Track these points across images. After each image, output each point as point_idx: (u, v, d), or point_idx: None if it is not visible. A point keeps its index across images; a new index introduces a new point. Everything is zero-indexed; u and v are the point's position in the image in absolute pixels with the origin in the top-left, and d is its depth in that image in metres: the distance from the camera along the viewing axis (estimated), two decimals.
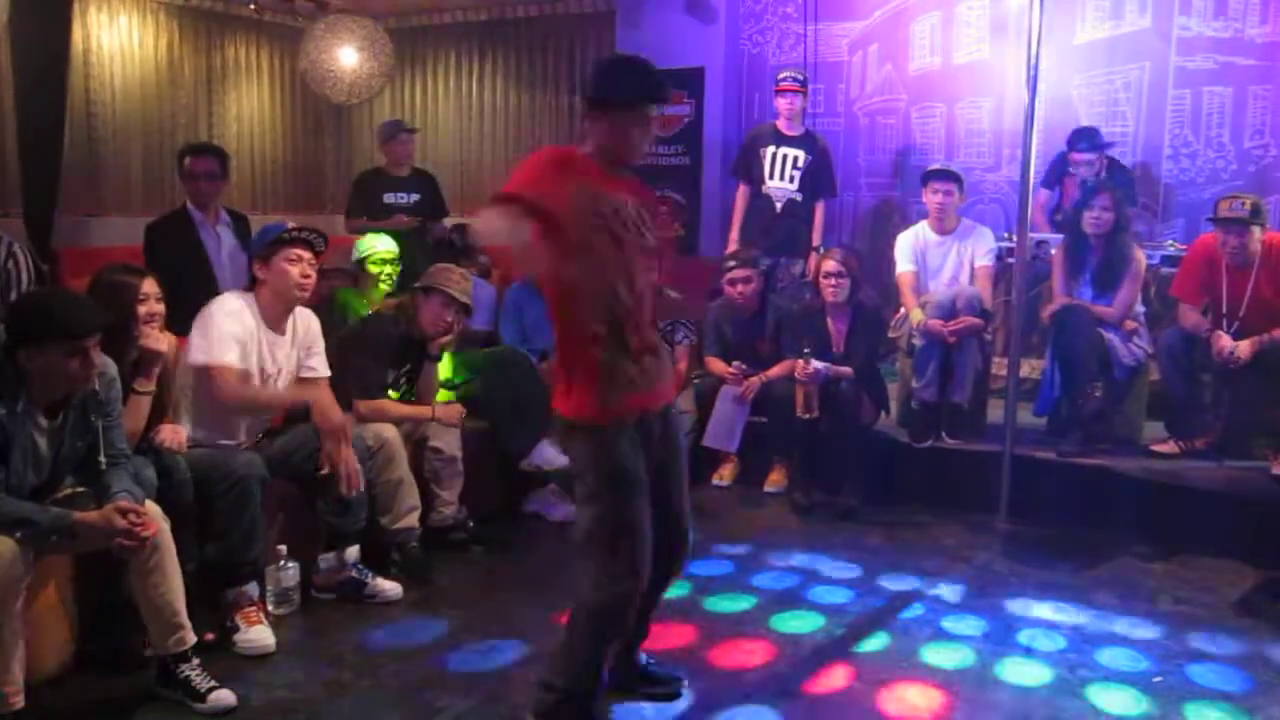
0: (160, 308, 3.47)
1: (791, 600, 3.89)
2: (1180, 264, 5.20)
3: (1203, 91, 6.36)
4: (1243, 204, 4.67)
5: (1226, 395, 4.91)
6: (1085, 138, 5.94)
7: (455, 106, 9.60)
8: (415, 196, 6.12)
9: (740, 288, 5.28)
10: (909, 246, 5.37)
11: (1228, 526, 4.36)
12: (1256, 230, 4.67)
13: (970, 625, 3.67)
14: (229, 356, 3.49)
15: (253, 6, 8.57)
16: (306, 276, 3.64)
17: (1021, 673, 3.31)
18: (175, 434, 3.42)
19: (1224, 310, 4.79)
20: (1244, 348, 4.59)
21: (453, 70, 9.58)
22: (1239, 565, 4.22)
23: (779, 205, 6.07)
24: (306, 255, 3.65)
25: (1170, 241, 6.00)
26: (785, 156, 6.06)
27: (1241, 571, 4.17)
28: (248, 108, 9.23)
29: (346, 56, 7.47)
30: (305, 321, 3.80)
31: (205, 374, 3.49)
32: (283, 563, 3.63)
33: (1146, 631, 3.63)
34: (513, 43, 9.27)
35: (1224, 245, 4.72)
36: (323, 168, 10.02)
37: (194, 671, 3.00)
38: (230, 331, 3.51)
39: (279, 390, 3.72)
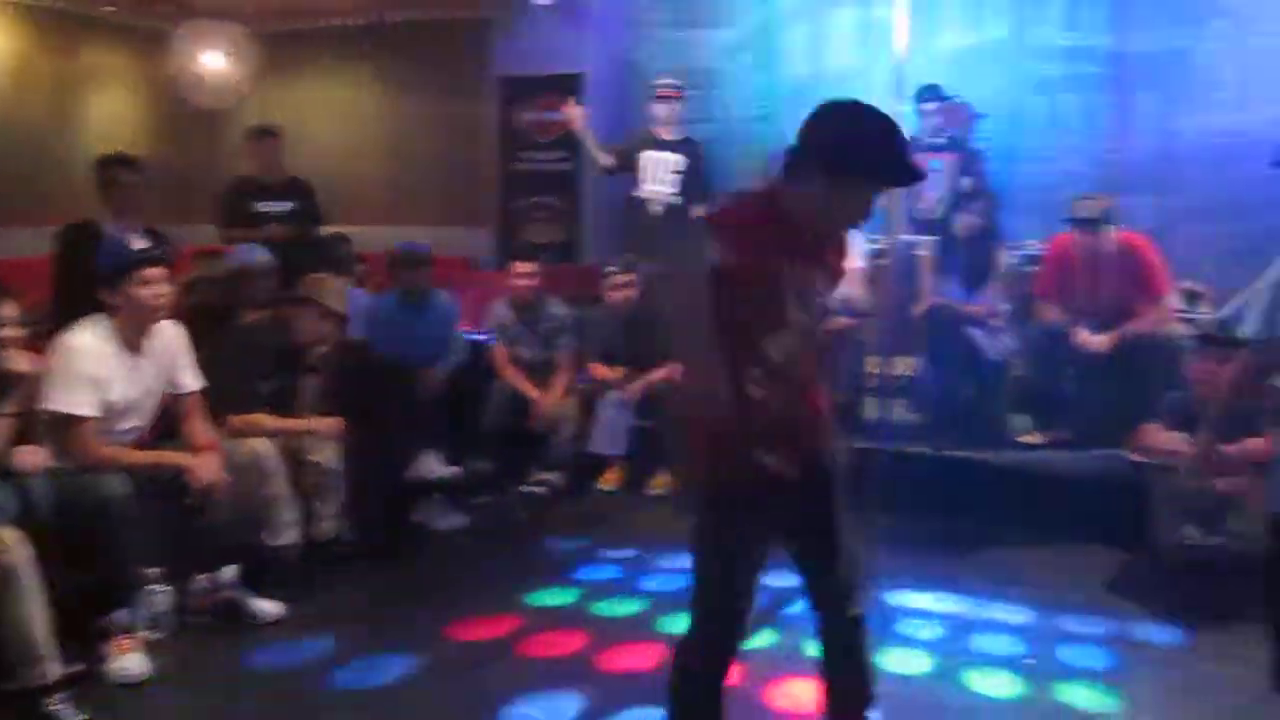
0: (16, 332, 3.30)
1: (680, 602, 3.89)
2: (1041, 263, 5.43)
3: (1058, 99, 6.65)
4: (1097, 204, 4.91)
5: (1087, 387, 5.15)
6: (930, 90, 6.20)
7: (329, 113, 9.41)
8: (289, 204, 5.96)
9: (621, 292, 5.32)
10: None
11: (1091, 512, 4.55)
12: (1110, 229, 4.91)
13: None
14: (83, 408, 3.34)
15: (113, 9, 8.26)
16: (160, 296, 3.51)
17: (902, 662, 3.40)
18: (33, 456, 3.26)
19: (1082, 306, 5.02)
20: (1101, 341, 4.82)
21: (326, 76, 9.39)
22: (1103, 548, 4.41)
23: (658, 209, 6.12)
24: (159, 274, 3.52)
25: (1031, 242, 6.25)
26: (663, 161, 6.12)
27: (1106, 554, 4.37)
28: (109, 114, 8.88)
29: (212, 61, 7.27)
30: (168, 337, 3.66)
31: (61, 420, 3.34)
32: (155, 586, 3.49)
33: (1019, 616, 3.77)
34: (388, 49, 9.13)
35: (1081, 244, 4.94)
36: (190, 176, 9.70)
37: (62, 705, 2.87)
38: (85, 372, 3.35)
39: (139, 454, 3.56)
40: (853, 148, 2.19)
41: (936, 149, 6.30)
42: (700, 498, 2.47)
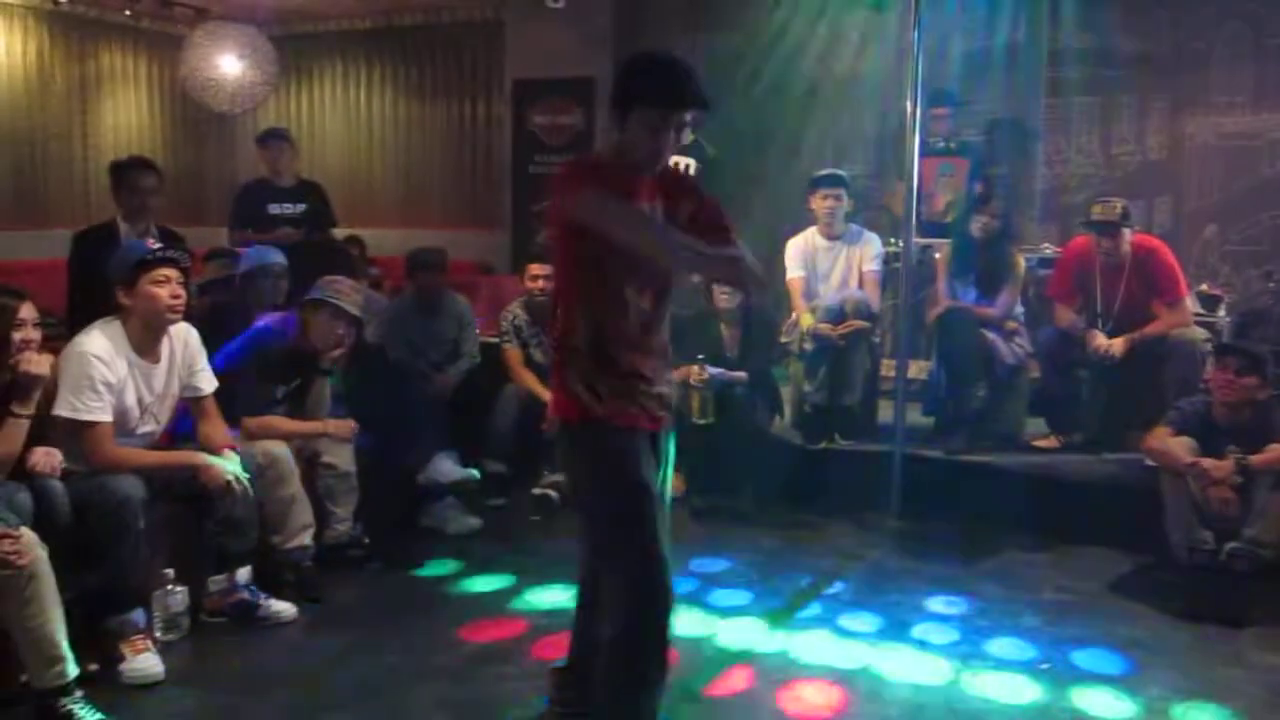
0: (36, 334, 3.29)
1: (690, 604, 3.92)
2: (1055, 266, 5.40)
3: (1073, 101, 6.63)
4: (1113, 207, 4.88)
5: (1102, 391, 5.13)
6: (940, 94, 6.21)
7: (342, 116, 9.45)
8: (301, 207, 5.98)
9: None
10: (798, 252, 5.47)
11: (1105, 516, 4.54)
12: (1126, 232, 4.89)
13: (865, 622, 3.75)
14: (97, 413, 3.33)
15: (128, 13, 8.30)
16: (177, 297, 3.49)
17: (916, 666, 3.39)
18: (49, 458, 3.26)
19: (1098, 309, 4.99)
20: (1117, 345, 4.79)
21: (339, 79, 9.44)
22: (1115, 553, 4.40)
23: None
24: (174, 274, 3.50)
25: (1046, 245, 6.23)
26: (677, 164, 6.11)
27: (1118, 558, 4.35)
28: (124, 117, 8.94)
29: (228, 65, 7.29)
30: (183, 339, 3.66)
31: (74, 425, 3.34)
32: (170, 587, 3.50)
33: (1032, 620, 3.76)
34: (400, 52, 9.18)
35: (1098, 247, 4.92)
36: (205, 179, 9.76)
37: (77, 705, 2.88)
38: (97, 378, 3.34)
39: (154, 455, 3.56)
40: (635, 82, 2.51)
41: (947, 153, 6.30)
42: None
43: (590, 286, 2.54)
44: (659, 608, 2.48)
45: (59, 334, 4.48)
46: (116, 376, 3.41)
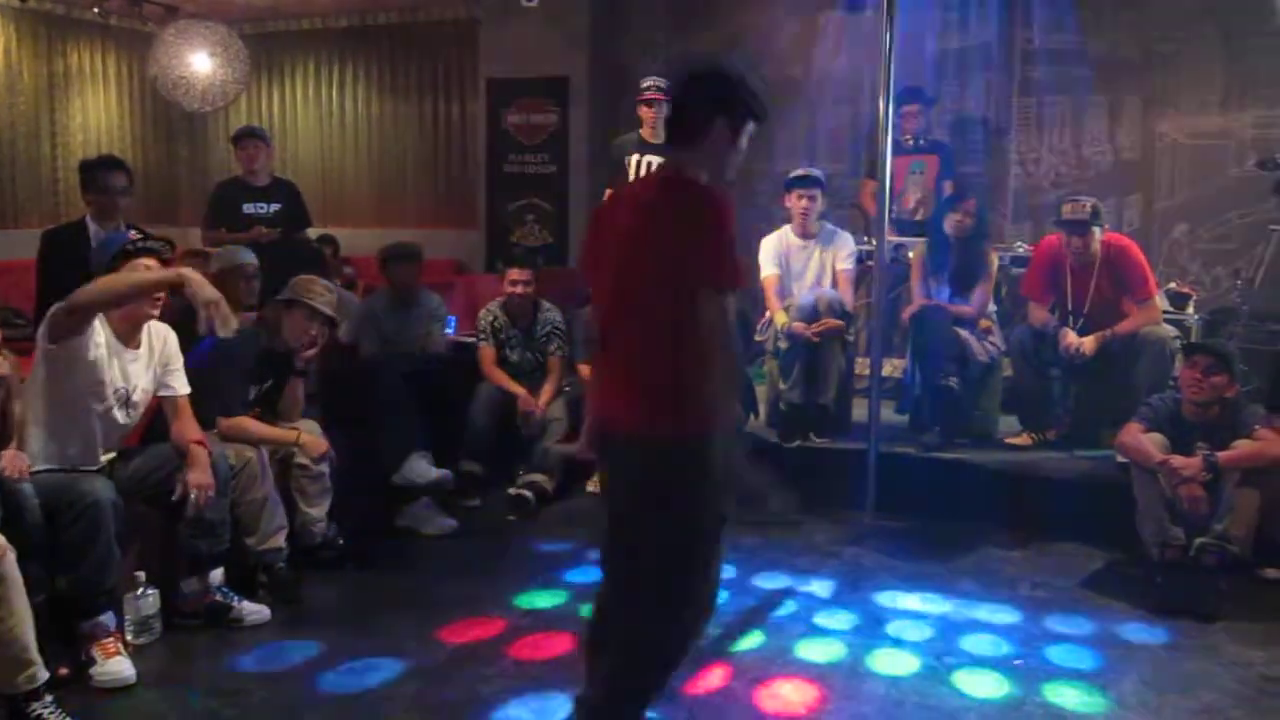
0: None
1: None
2: (1028, 264, 5.44)
3: (1045, 100, 6.69)
4: (1084, 206, 4.92)
5: (1074, 388, 5.17)
6: (911, 92, 6.22)
7: (316, 115, 9.39)
8: (276, 206, 5.93)
9: None
10: (772, 251, 5.48)
11: (1079, 513, 4.57)
12: (1097, 231, 4.92)
13: (841, 620, 3.76)
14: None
15: (97, 10, 8.22)
16: None
17: (891, 663, 3.41)
18: (16, 461, 3.22)
19: (1070, 308, 5.03)
20: (1088, 343, 4.83)
21: (312, 78, 9.38)
22: (1089, 549, 4.43)
23: None
24: (153, 265, 3.49)
25: (1019, 243, 6.27)
26: (650, 164, 6.11)
27: (1092, 555, 4.39)
28: (94, 116, 8.85)
29: (199, 63, 7.23)
30: (161, 337, 3.64)
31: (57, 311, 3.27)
32: (141, 590, 3.47)
33: (1007, 617, 3.78)
34: (374, 51, 9.13)
35: (1068, 246, 4.95)
36: (176, 178, 9.68)
37: (48, 709, 2.85)
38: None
39: (132, 275, 3.45)
40: (725, 93, 2.38)
41: (917, 151, 6.33)
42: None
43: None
44: (682, 654, 2.57)
45: (27, 335, 4.44)
46: (98, 353, 3.37)
